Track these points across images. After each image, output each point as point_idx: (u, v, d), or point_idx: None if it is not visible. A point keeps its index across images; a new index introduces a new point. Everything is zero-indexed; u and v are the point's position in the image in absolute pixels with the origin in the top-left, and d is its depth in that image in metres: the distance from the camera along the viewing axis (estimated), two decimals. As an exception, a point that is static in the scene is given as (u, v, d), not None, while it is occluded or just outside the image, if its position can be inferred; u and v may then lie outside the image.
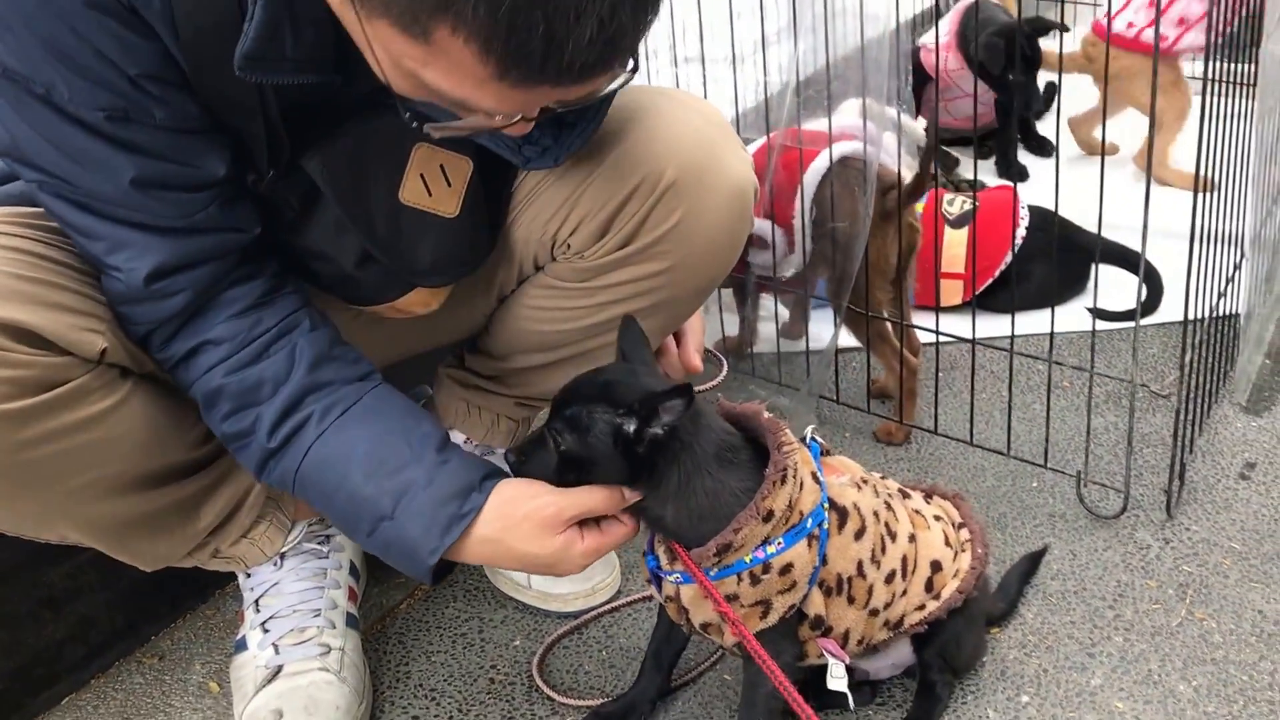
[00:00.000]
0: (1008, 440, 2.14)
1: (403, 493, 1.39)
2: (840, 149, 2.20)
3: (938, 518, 1.64)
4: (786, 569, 1.43)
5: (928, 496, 1.68)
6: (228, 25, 1.23)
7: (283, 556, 1.71)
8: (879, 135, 2.20)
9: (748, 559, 1.42)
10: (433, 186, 1.47)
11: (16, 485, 1.31)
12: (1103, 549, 1.94)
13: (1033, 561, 1.89)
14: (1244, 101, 1.97)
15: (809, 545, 1.44)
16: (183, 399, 1.45)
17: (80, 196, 1.30)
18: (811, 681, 1.56)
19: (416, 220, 1.48)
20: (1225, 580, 1.86)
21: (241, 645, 1.71)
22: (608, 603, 1.88)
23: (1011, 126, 3.35)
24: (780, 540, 1.42)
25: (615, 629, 1.85)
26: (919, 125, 2.48)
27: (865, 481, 1.57)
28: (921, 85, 3.15)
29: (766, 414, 1.50)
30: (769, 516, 1.41)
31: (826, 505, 1.48)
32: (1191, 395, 2.01)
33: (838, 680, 1.50)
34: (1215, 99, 1.83)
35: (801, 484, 1.44)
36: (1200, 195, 1.83)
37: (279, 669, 1.65)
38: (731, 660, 1.75)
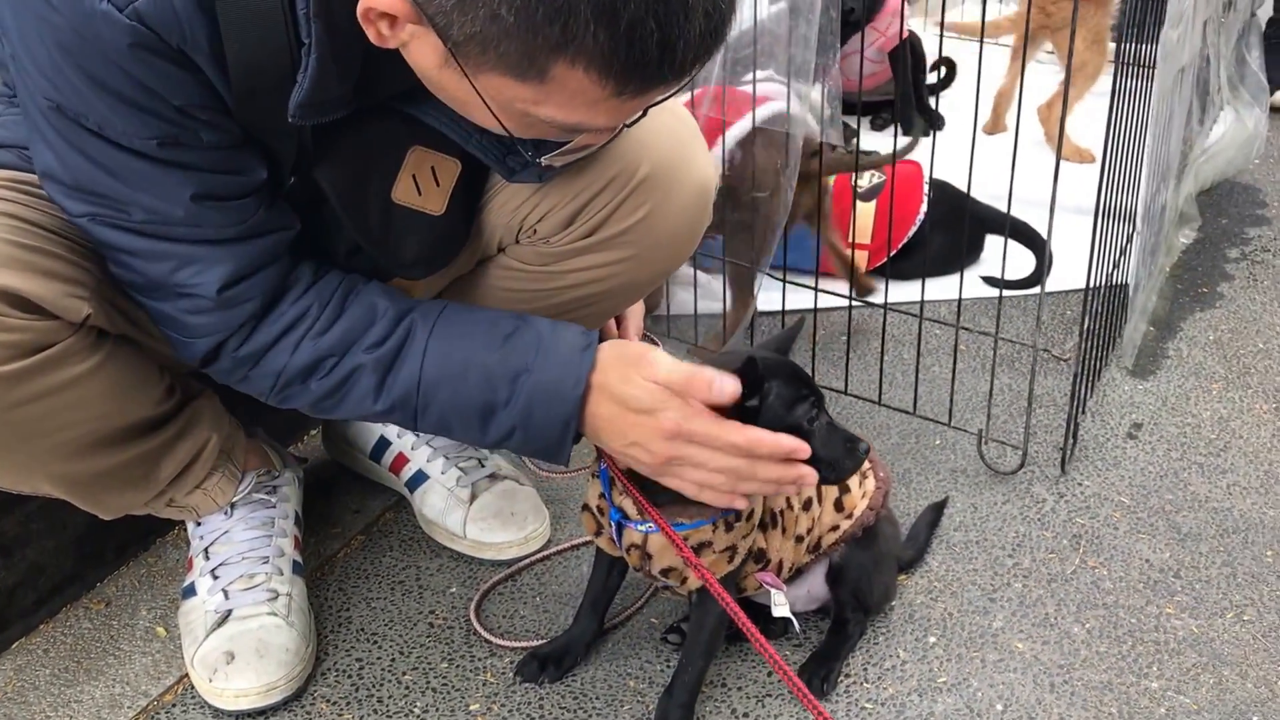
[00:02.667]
0: (914, 400, 2.25)
1: (533, 345, 1.42)
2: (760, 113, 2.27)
3: None
4: (750, 513, 1.53)
5: None
6: (279, 65, 1.27)
7: (233, 506, 1.75)
8: (796, 105, 2.28)
9: None
10: (423, 186, 1.50)
11: (3, 443, 1.36)
12: (1002, 503, 2.06)
13: (936, 511, 2.00)
14: (1145, 82, 2.09)
15: None
16: (148, 358, 1.50)
17: (136, 224, 1.33)
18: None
19: (406, 218, 1.52)
20: (1115, 532, 1.99)
21: (190, 591, 1.74)
22: (539, 551, 1.95)
23: (904, 81, 3.45)
24: None
25: (547, 576, 1.92)
26: (815, 94, 2.55)
27: None
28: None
29: None
30: None
31: None
32: (1085, 359, 2.13)
33: (781, 607, 1.58)
34: (1123, 80, 1.93)
35: None
36: (1106, 171, 1.93)
37: (229, 613, 1.69)
38: (657, 604, 1.84)
